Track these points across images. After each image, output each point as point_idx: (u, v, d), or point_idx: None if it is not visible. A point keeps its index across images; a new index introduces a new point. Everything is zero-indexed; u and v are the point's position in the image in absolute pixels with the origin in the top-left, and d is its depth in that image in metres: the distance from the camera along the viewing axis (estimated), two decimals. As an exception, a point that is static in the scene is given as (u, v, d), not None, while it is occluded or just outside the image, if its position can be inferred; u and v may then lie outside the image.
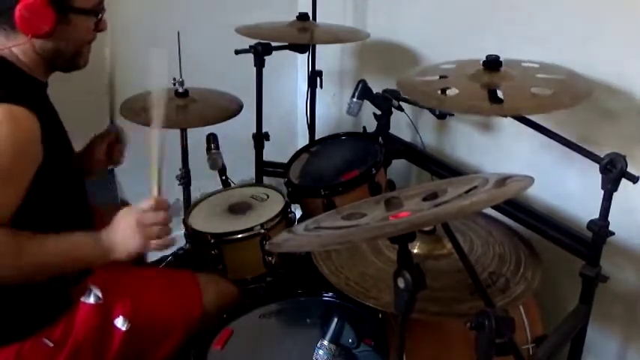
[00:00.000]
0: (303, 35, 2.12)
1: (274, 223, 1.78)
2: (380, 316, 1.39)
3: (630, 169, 1.30)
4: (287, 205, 1.86)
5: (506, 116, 1.42)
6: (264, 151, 2.31)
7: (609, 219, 1.38)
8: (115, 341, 1.43)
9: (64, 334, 1.37)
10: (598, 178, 1.33)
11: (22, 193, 1.25)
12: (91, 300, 1.42)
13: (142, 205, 1.33)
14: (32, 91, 1.34)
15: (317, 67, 2.37)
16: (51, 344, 1.35)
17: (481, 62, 1.45)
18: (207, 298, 1.58)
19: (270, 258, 1.76)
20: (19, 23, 1.25)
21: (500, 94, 1.37)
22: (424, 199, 1.12)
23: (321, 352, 1.31)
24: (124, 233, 1.32)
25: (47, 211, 1.33)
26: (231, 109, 2.04)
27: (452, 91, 1.42)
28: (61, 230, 1.29)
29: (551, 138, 1.41)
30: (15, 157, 1.23)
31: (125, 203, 1.86)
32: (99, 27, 1.40)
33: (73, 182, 1.44)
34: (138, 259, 1.90)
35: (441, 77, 1.50)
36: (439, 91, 1.42)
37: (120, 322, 1.44)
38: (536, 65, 1.50)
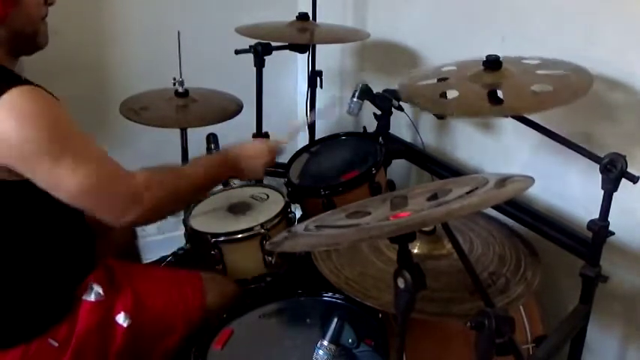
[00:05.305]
0: (303, 35, 2.12)
1: (274, 223, 1.78)
2: (380, 316, 1.39)
3: (630, 169, 1.30)
4: (287, 205, 1.86)
5: (507, 116, 1.42)
6: (265, 151, 2.31)
7: (609, 219, 1.37)
8: (118, 337, 1.43)
9: (68, 333, 1.37)
10: (598, 178, 1.33)
11: None
12: (92, 297, 1.42)
13: (272, 140, 1.72)
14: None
15: (317, 67, 2.37)
16: (56, 344, 1.35)
17: (481, 62, 1.46)
18: (209, 295, 1.58)
19: (270, 258, 1.76)
20: None
21: (500, 94, 1.37)
22: (428, 199, 1.12)
23: (321, 352, 1.31)
24: (257, 159, 1.62)
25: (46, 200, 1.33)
26: (231, 109, 2.04)
27: (452, 93, 1.42)
28: (53, 220, 1.32)
29: (551, 138, 1.41)
30: (63, 121, 1.26)
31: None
32: (48, 0, 1.39)
33: None
34: (135, 257, 1.91)
35: (439, 80, 1.51)
36: (438, 95, 1.42)
37: (121, 319, 1.44)
38: (537, 61, 1.50)
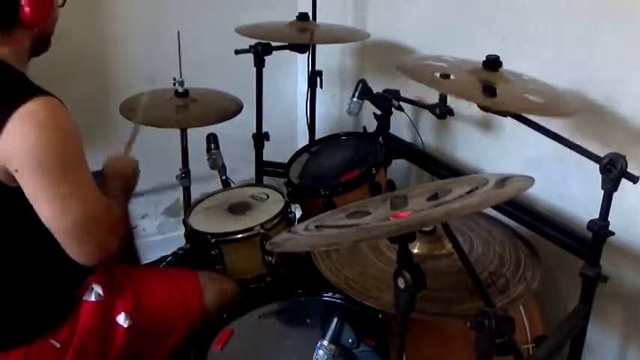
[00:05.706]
0: (303, 35, 2.12)
1: (274, 223, 1.78)
2: (380, 316, 1.39)
3: (630, 169, 1.30)
4: (287, 205, 1.86)
5: (506, 115, 1.42)
6: (264, 151, 2.31)
7: (609, 219, 1.38)
8: (118, 338, 1.44)
9: (70, 334, 1.37)
10: (598, 178, 1.33)
11: None
12: (93, 298, 1.42)
13: (127, 157, 1.70)
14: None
15: (317, 67, 2.37)
16: (58, 345, 1.35)
17: (481, 62, 1.46)
18: (207, 296, 1.58)
19: (270, 258, 1.76)
20: (29, 17, 1.25)
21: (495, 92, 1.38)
22: (428, 199, 1.13)
23: (321, 352, 1.31)
24: (133, 181, 1.64)
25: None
26: (231, 109, 2.04)
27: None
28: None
29: (551, 138, 1.41)
30: (78, 139, 1.27)
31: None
32: (64, 2, 1.40)
33: None
34: (134, 260, 1.91)
35: (440, 64, 1.52)
36: (437, 74, 1.42)
37: (122, 319, 1.44)
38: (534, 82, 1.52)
